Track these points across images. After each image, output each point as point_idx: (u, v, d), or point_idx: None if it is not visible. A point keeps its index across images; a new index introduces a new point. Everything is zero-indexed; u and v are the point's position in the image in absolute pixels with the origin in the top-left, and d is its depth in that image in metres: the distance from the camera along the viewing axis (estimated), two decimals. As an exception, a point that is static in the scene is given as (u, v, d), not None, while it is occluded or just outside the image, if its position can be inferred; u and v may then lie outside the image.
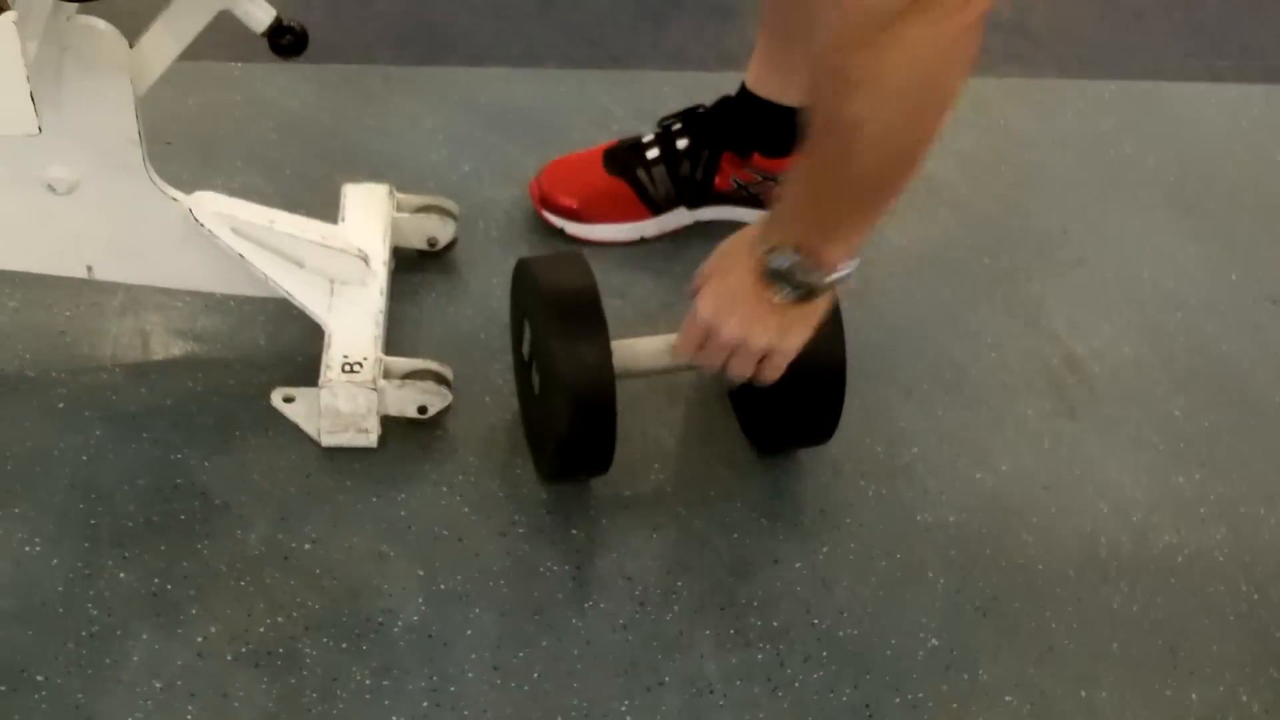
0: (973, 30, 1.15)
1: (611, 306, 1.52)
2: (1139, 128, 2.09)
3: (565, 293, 1.49)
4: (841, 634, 1.49)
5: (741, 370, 1.43)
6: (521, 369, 1.62)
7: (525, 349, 1.57)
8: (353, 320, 1.62)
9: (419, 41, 2.13)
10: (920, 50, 1.14)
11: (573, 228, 1.86)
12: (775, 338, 1.40)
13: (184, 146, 1.89)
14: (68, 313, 1.71)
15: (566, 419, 1.47)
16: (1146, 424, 1.72)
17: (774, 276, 1.35)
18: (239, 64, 2.01)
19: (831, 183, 1.28)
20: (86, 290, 1.66)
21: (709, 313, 1.41)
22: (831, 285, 1.36)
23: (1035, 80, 2.15)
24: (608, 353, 1.48)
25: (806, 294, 1.36)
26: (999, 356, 1.77)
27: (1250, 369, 1.79)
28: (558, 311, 1.48)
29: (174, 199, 1.57)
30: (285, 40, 1.49)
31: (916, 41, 1.13)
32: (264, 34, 1.49)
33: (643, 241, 1.86)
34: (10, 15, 1.29)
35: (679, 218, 1.87)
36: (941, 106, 1.20)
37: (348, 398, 1.58)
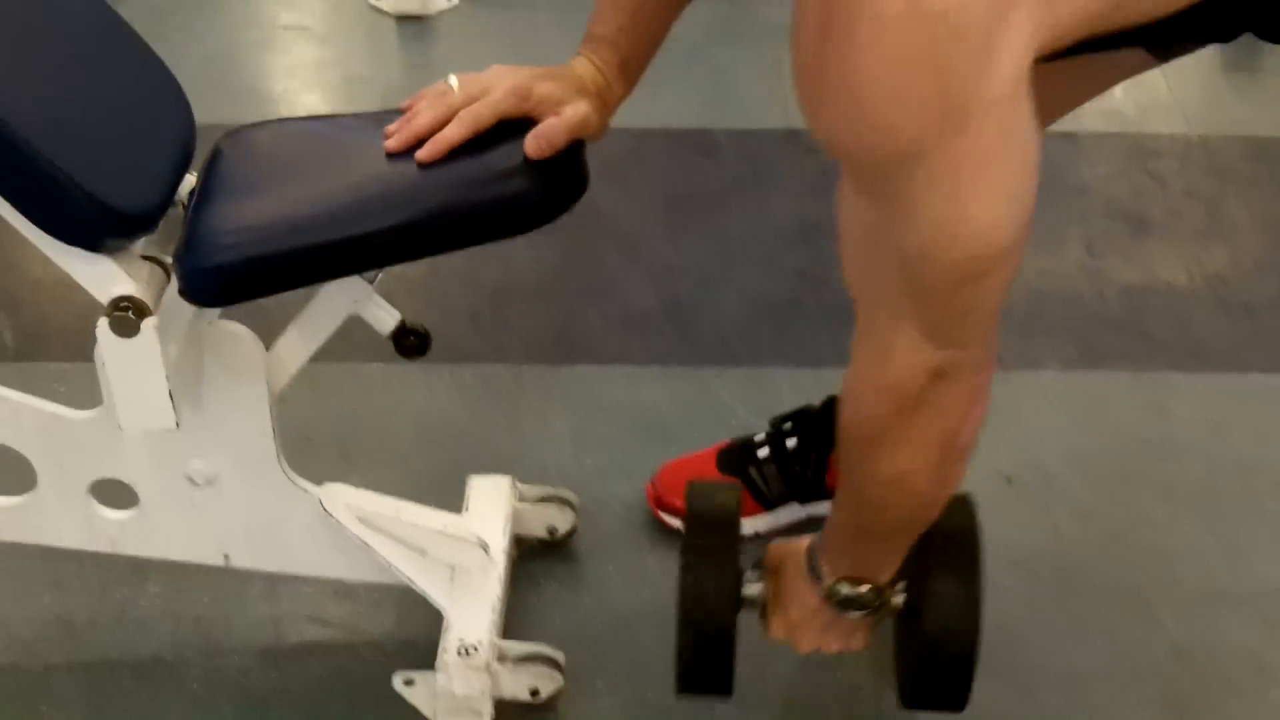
0: (985, 388, 1.28)
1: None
2: (1251, 422, 2.11)
3: (705, 519, 1.58)
4: None
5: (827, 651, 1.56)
6: None
7: None
8: (470, 606, 1.69)
9: (550, 345, 2.24)
10: (946, 413, 1.26)
11: (687, 524, 1.92)
12: (846, 642, 1.55)
13: (323, 443, 2.00)
14: (205, 599, 1.81)
15: (688, 646, 1.53)
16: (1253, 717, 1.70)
17: (844, 605, 1.49)
18: (379, 365, 2.13)
19: (874, 526, 1.42)
20: (223, 577, 1.75)
21: (782, 637, 1.56)
22: (890, 592, 1.50)
23: (1146, 374, 2.19)
24: (734, 585, 1.54)
25: (877, 609, 1.50)
26: (1108, 651, 1.78)
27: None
28: (693, 536, 1.56)
29: (306, 490, 1.67)
30: (409, 341, 1.60)
31: (942, 406, 1.25)
32: (390, 336, 1.60)
33: (756, 537, 1.91)
34: (152, 321, 1.42)
35: (791, 513, 1.92)
36: (965, 455, 1.34)
37: (463, 680, 1.63)
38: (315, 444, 1.99)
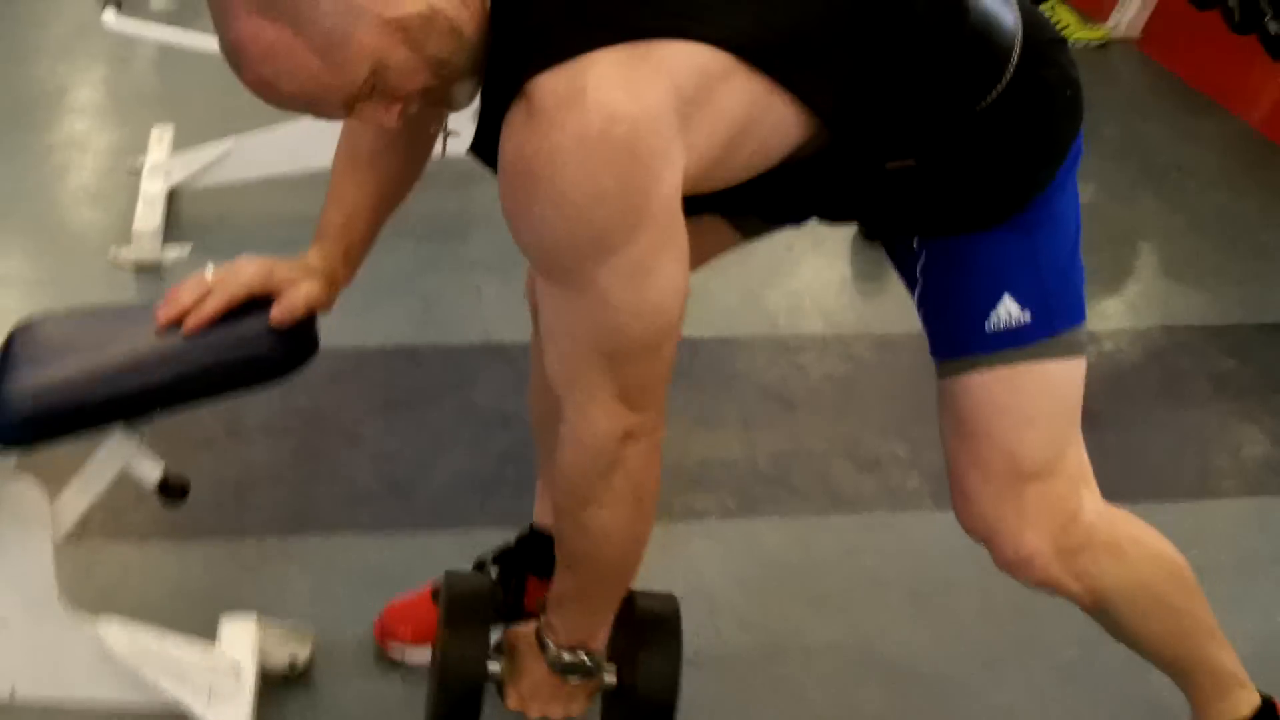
0: (659, 446, 1.66)
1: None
2: (878, 547, 2.58)
3: (458, 604, 1.94)
4: None
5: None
6: None
7: None
8: (227, 717, 2.00)
9: (286, 522, 2.59)
10: (637, 468, 1.65)
11: (411, 653, 2.26)
12: (567, 708, 1.88)
13: (90, 609, 2.29)
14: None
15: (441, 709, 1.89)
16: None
17: (565, 671, 1.83)
18: (134, 545, 2.45)
19: (589, 582, 1.77)
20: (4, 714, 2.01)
21: (516, 706, 1.89)
22: (602, 659, 1.85)
23: (792, 517, 2.64)
24: (479, 660, 1.88)
25: (592, 674, 1.84)
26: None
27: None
28: (449, 617, 1.91)
29: (84, 626, 1.97)
30: (173, 488, 1.92)
31: (634, 462, 1.64)
32: (156, 485, 1.92)
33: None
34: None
35: (499, 633, 2.28)
36: (652, 510, 1.71)
37: (222, 780, 1.94)
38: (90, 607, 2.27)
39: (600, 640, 1.83)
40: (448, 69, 1.52)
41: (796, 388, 3.03)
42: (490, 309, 3.20)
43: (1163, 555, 1.92)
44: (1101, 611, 1.92)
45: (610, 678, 1.88)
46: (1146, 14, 4.98)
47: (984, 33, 1.67)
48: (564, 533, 1.75)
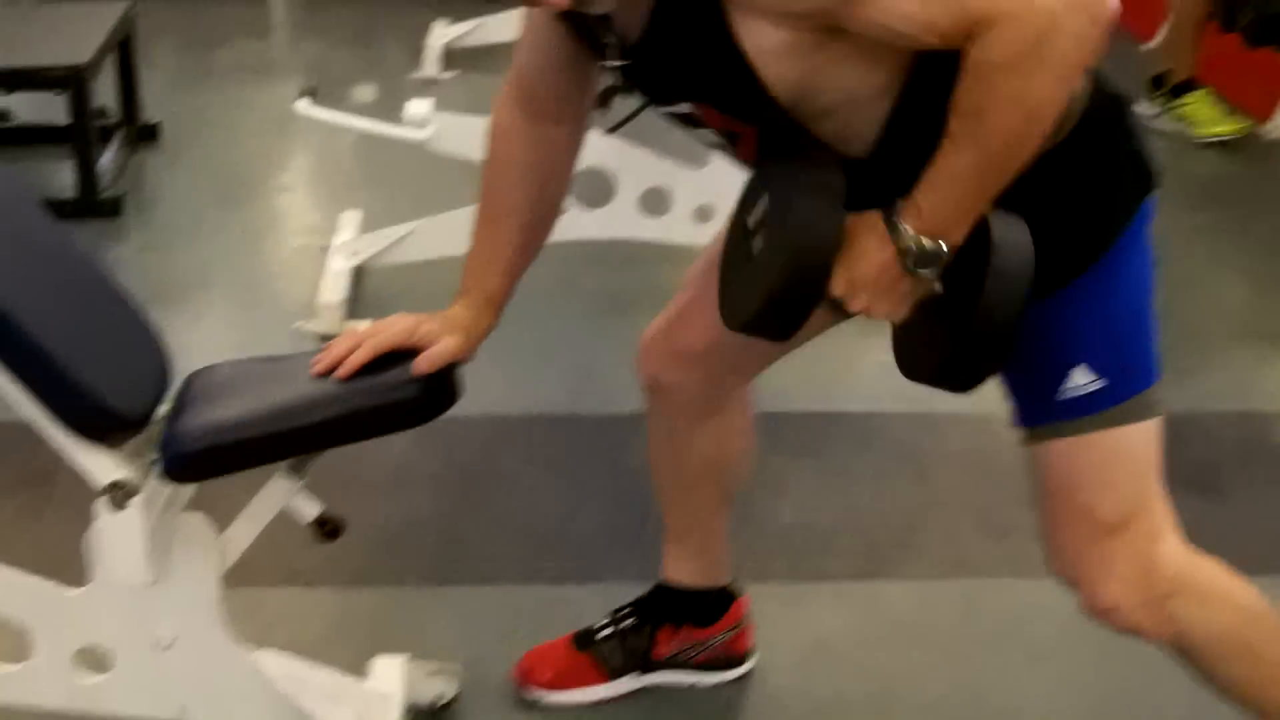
0: (1101, 20, 1.62)
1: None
2: (1000, 610, 2.70)
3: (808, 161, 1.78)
4: None
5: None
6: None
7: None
8: (376, 743, 2.18)
9: (439, 567, 2.79)
10: (1071, 38, 1.60)
11: (548, 696, 2.43)
12: (894, 307, 1.76)
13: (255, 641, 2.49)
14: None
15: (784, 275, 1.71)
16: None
17: (914, 259, 1.69)
18: (292, 589, 2.66)
19: (982, 153, 1.65)
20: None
21: (842, 293, 1.74)
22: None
23: (920, 581, 2.78)
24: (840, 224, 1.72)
25: (938, 266, 1.71)
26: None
27: None
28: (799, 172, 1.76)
29: (245, 653, 2.16)
30: (327, 528, 2.11)
31: (1066, 34, 1.59)
32: (312, 523, 2.10)
33: (604, 702, 2.43)
34: (139, 499, 1.95)
35: (631, 682, 2.44)
36: (1078, 78, 1.67)
37: (367, 798, 2.12)
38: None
39: (960, 234, 1.70)
40: None
41: (934, 459, 3.15)
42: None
43: (1248, 603, 1.97)
44: (1187, 656, 1.99)
45: (938, 287, 1.73)
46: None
47: None
48: (974, 102, 1.64)
